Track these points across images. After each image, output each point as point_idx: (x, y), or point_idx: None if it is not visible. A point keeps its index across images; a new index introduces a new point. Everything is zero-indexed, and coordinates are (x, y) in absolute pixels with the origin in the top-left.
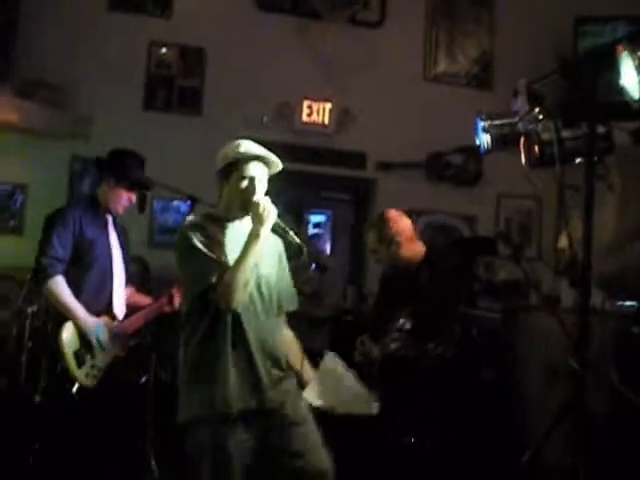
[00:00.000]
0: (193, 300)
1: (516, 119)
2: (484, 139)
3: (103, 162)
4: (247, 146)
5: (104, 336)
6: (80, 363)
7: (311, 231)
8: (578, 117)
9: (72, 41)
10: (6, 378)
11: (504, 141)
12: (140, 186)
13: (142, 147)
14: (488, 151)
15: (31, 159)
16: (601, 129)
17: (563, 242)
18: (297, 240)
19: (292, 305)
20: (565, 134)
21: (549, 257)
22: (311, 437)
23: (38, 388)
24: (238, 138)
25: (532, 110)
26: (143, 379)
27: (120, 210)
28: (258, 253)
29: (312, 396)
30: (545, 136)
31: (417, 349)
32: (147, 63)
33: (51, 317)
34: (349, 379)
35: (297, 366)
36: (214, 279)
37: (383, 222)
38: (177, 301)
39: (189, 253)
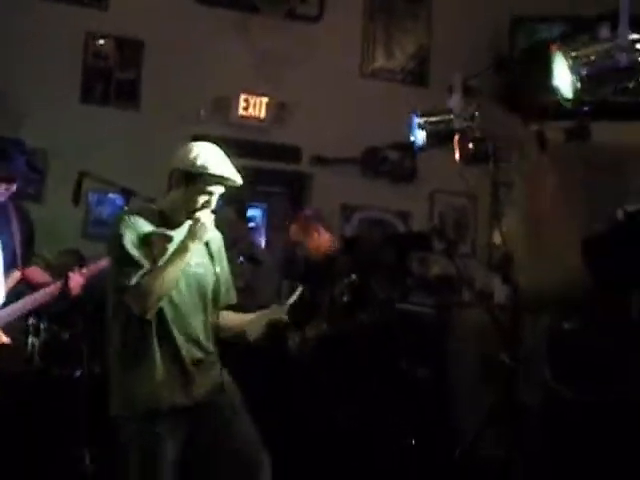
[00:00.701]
0: (116, 297)
1: (451, 116)
2: (419, 136)
3: None
4: (217, 163)
5: None
6: None
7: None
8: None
9: (5, 31)
10: None
11: (439, 138)
12: (20, 177)
13: (79, 140)
14: (423, 148)
15: None
16: (534, 127)
17: (496, 238)
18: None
19: (229, 299)
20: (498, 131)
21: (483, 253)
22: (243, 428)
23: None
24: (179, 136)
25: (467, 107)
26: (77, 373)
27: (2, 197)
28: (184, 261)
29: None
30: (479, 133)
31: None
32: (83, 54)
33: None
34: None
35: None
36: (132, 281)
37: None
38: (75, 285)
39: (116, 248)
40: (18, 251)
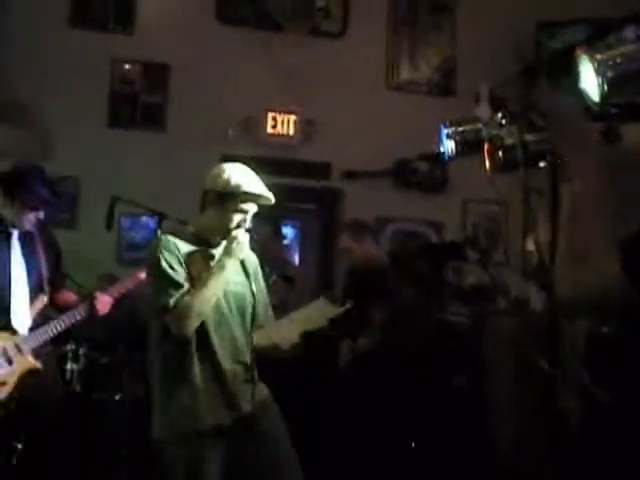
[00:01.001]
0: (157, 318)
1: (479, 125)
2: (448, 146)
3: (4, 178)
4: (248, 181)
5: None
6: None
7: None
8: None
9: (34, 59)
10: None
11: (468, 147)
12: (39, 207)
13: (107, 164)
14: (452, 158)
15: None
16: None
17: (530, 245)
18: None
19: (267, 319)
20: (528, 138)
21: (517, 261)
22: (284, 448)
23: None
24: (207, 156)
25: (495, 115)
26: (117, 397)
27: (27, 226)
28: (222, 280)
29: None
30: (508, 141)
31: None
32: (110, 80)
33: None
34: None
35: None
36: (171, 302)
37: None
38: (102, 307)
39: (155, 271)
40: (45, 275)
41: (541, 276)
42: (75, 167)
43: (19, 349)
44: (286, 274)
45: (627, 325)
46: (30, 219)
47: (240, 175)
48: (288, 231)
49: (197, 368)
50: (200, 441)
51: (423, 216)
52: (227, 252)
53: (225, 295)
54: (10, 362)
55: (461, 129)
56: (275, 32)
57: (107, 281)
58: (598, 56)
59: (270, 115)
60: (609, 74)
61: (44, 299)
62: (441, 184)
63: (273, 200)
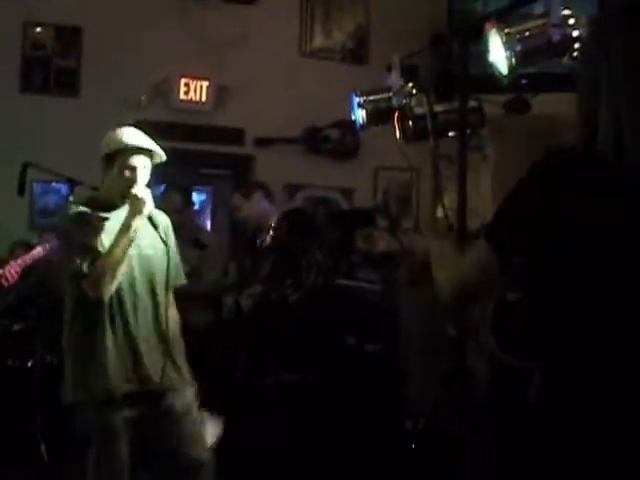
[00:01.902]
0: (70, 284)
1: (390, 94)
2: (360, 114)
3: None
4: (131, 136)
5: None
6: None
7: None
8: (451, 91)
9: None
10: None
11: (379, 116)
12: None
13: (20, 129)
14: (364, 126)
15: None
16: (472, 103)
17: (440, 212)
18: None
19: (179, 280)
20: (438, 108)
21: (427, 228)
22: (192, 426)
23: None
24: (120, 122)
25: (405, 85)
26: (29, 363)
27: None
28: (130, 239)
29: None
30: (418, 110)
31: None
32: (22, 44)
33: None
34: None
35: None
36: (85, 267)
37: None
38: (9, 275)
39: (66, 239)
40: None
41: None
42: None
43: None
44: (198, 239)
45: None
46: None
47: (124, 134)
48: (200, 197)
49: (110, 335)
50: (111, 408)
51: (334, 183)
52: (130, 211)
53: (137, 259)
54: None
55: (372, 98)
56: None
57: (20, 248)
58: (507, 30)
59: (183, 81)
60: (517, 47)
61: None
62: (352, 151)
63: (164, 156)
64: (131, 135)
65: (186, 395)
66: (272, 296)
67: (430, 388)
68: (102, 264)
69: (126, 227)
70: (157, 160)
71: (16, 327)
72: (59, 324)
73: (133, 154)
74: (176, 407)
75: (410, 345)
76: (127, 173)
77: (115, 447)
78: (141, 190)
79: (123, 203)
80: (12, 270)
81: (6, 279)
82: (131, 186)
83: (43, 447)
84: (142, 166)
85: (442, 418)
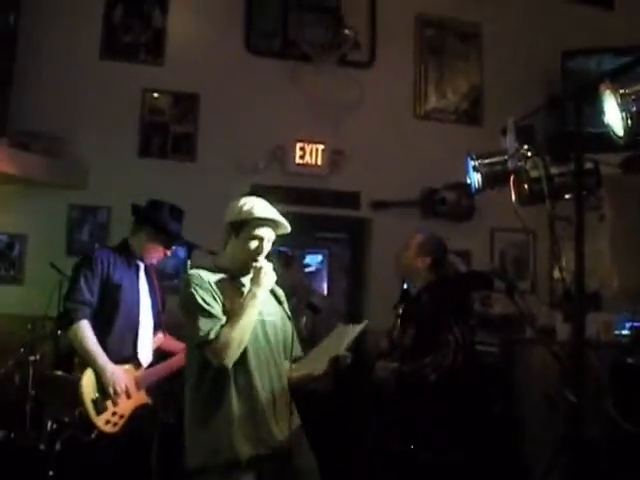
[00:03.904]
0: (193, 351)
1: (505, 157)
2: (475, 178)
3: (140, 210)
4: (259, 207)
5: (122, 385)
6: (99, 410)
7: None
8: (566, 151)
9: (66, 91)
10: (7, 429)
11: (495, 179)
12: (177, 242)
13: (137, 194)
14: (479, 190)
15: (29, 209)
16: (589, 164)
17: (557, 274)
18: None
19: (297, 351)
20: (554, 171)
21: (544, 290)
22: (311, 468)
23: (42, 436)
24: (237, 187)
25: (520, 147)
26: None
27: (154, 261)
28: (256, 308)
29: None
30: (534, 173)
31: (409, 367)
32: (141, 110)
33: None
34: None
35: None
36: (211, 336)
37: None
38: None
39: (190, 306)
40: (160, 311)
41: (567, 306)
42: (107, 197)
43: (138, 385)
44: (312, 303)
45: None
46: (159, 254)
47: (251, 203)
48: (316, 260)
49: (234, 399)
50: (235, 472)
51: (451, 245)
52: (255, 282)
53: (260, 325)
54: (129, 397)
55: (487, 161)
56: (304, 62)
57: None
58: (622, 90)
59: (299, 145)
60: (633, 108)
61: (161, 337)
62: (468, 213)
63: (289, 228)
64: (259, 206)
65: (310, 459)
66: (410, 375)
67: (545, 453)
68: (228, 332)
69: (252, 296)
70: (281, 231)
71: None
72: (179, 385)
73: (260, 225)
74: (302, 470)
75: (526, 408)
76: (253, 244)
77: None
78: (265, 263)
79: (245, 272)
80: (161, 370)
81: (155, 378)
82: (255, 258)
83: None
84: (267, 238)
85: None
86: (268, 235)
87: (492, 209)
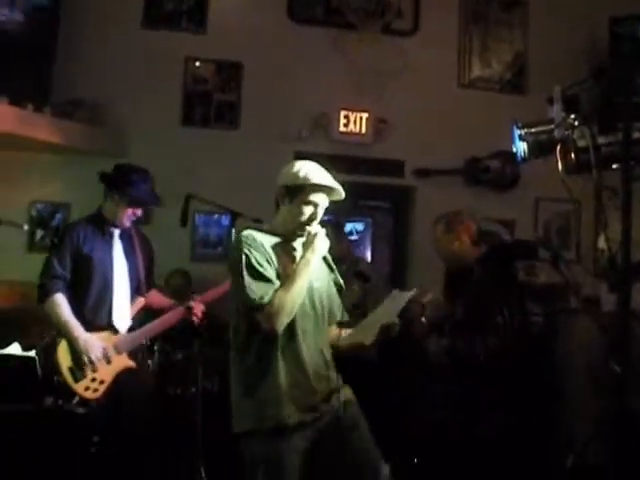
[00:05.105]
0: (243, 315)
1: (552, 126)
2: (520, 147)
3: (108, 177)
4: (316, 172)
5: (97, 352)
6: (77, 378)
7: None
8: (614, 121)
9: (108, 59)
10: (54, 395)
11: (540, 148)
12: (145, 204)
13: (181, 162)
14: (525, 159)
15: (72, 178)
16: (637, 134)
17: (602, 244)
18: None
19: (343, 316)
20: (601, 140)
21: (588, 260)
22: (365, 440)
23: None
24: (281, 155)
25: (567, 117)
26: (193, 390)
27: (126, 223)
28: (309, 275)
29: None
30: (581, 143)
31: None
32: (184, 79)
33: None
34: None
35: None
36: (265, 300)
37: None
38: (198, 312)
39: (243, 268)
40: (142, 277)
41: (612, 276)
42: (150, 166)
43: (118, 350)
44: (360, 271)
45: None
46: (129, 216)
47: (308, 168)
48: (359, 228)
49: (281, 365)
50: (282, 437)
51: (495, 214)
52: (309, 247)
53: (308, 291)
54: (109, 362)
55: (533, 130)
56: (347, 30)
57: (180, 277)
58: None
59: (343, 113)
60: None
61: (142, 300)
62: (513, 182)
63: (343, 194)
64: (315, 171)
65: (353, 412)
66: (461, 352)
67: (585, 426)
68: (282, 297)
69: (305, 262)
70: (335, 198)
71: (179, 355)
72: (220, 352)
73: (315, 191)
74: (345, 425)
75: (568, 379)
76: (307, 209)
77: (286, 473)
78: (318, 229)
79: (297, 236)
80: (200, 308)
81: (195, 318)
82: (309, 223)
83: (204, 475)
84: (322, 204)
85: (593, 455)
86: (323, 201)
87: (537, 179)
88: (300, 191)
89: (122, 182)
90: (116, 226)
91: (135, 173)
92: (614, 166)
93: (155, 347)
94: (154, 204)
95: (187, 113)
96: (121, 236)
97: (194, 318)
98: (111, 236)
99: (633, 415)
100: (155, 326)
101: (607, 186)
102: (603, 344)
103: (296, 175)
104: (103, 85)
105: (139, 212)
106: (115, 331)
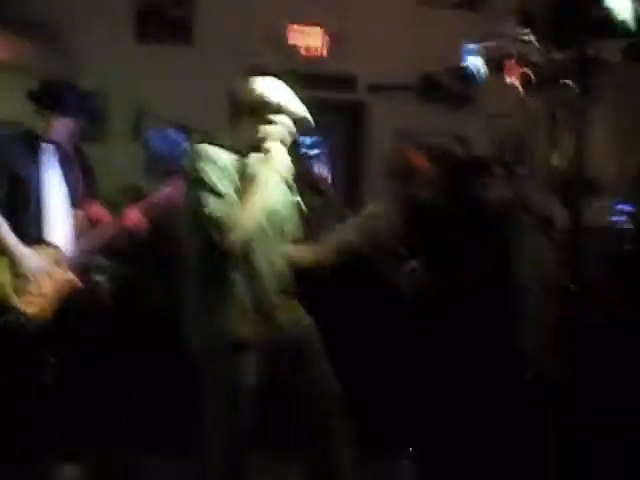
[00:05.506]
0: (198, 231)
1: (506, 42)
2: (473, 63)
3: (35, 93)
4: (280, 93)
5: (35, 266)
6: (18, 293)
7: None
8: (569, 37)
9: None
10: None
11: (495, 64)
12: (73, 115)
13: (135, 79)
14: (478, 75)
15: (23, 96)
16: (590, 50)
17: (555, 160)
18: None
19: (299, 234)
20: (555, 56)
21: (542, 177)
22: (322, 366)
23: None
24: (234, 71)
25: (522, 32)
26: (143, 309)
27: (54, 136)
28: (266, 192)
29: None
30: (535, 58)
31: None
32: None
33: None
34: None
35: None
36: (219, 215)
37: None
38: (131, 221)
39: (199, 182)
40: (80, 190)
41: (565, 192)
42: (104, 83)
43: (58, 263)
44: (316, 186)
45: None
46: (59, 129)
47: (270, 86)
48: (312, 144)
49: (238, 282)
50: (239, 354)
51: (448, 130)
52: (267, 165)
53: (266, 209)
54: (50, 276)
55: (486, 45)
56: None
57: (131, 192)
58: None
59: (297, 27)
60: None
61: (80, 214)
62: (466, 98)
63: (308, 116)
64: (278, 91)
65: (310, 333)
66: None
67: (544, 339)
68: (237, 214)
69: (263, 181)
70: (298, 117)
71: (130, 272)
72: (173, 268)
73: (275, 110)
74: (310, 358)
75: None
76: (267, 128)
77: (244, 388)
78: (278, 147)
79: (252, 154)
80: (133, 215)
81: (127, 224)
82: (267, 141)
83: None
84: (284, 123)
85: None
86: (283, 120)
87: (491, 95)
88: (259, 109)
89: (48, 96)
90: (50, 142)
91: (60, 86)
92: (567, 82)
93: (107, 264)
94: (79, 115)
95: (141, 30)
96: (56, 152)
97: (128, 223)
98: (44, 152)
99: (586, 331)
100: (93, 237)
101: (560, 103)
102: (556, 260)
103: (256, 92)
104: (56, 3)
105: (71, 125)
106: (53, 246)
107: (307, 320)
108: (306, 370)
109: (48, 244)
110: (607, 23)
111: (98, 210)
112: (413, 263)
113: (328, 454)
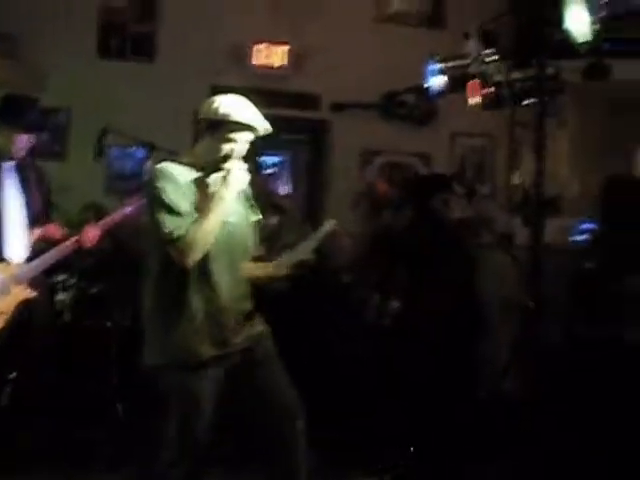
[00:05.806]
0: (157, 249)
1: (468, 61)
2: (436, 81)
3: None
4: (240, 110)
5: None
6: None
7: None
8: (530, 57)
9: None
10: None
11: (456, 83)
12: (30, 130)
13: (97, 95)
14: (440, 93)
15: None
16: (550, 70)
17: (516, 179)
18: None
19: (258, 251)
20: (516, 75)
21: (503, 195)
22: (277, 376)
23: None
24: (197, 88)
25: (484, 52)
26: (107, 324)
27: (15, 152)
28: (224, 210)
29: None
30: (496, 78)
31: None
32: (99, 10)
33: None
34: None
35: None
36: (176, 234)
37: None
38: (89, 238)
39: (157, 201)
40: (37, 210)
41: (526, 210)
42: (66, 99)
43: (16, 281)
44: (276, 204)
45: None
46: (19, 145)
47: (231, 104)
48: (274, 161)
49: (195, 299)
50: (195, 371)
51: (411, 149)
52: (225, 184)
53: (224, 227)
54: (7, 292)
55: (450, 64)
56: None
57: (92, 210)
58: None
59: (260, 46)
60: (600, 13)
61: (37, 233)
62: (428, 116)
63: (270, 130)
64: (239, 109)
65: (267, 346)
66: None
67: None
68: (194, 232)
69: (219, 198)
70: (260, 134)
71: (93, 290)
72: (136, 286)
73: (235, 129)
74: (257, 358)
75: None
76: (226, 146)
77: (197, 409)
78: (238, 166)
79: (213, 172)
80: (92, 233)
81: (85, 242)
82: (227, 159)
83: (119, 406)
84: (243, 140)
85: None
86: (243, 138)
87: (453, 114)
88: (220, 127)
89: (8, 111)
90: (7, 159)
91: (20, 102)
92: (528, 101)
93: (70, 281)
94: (40, 131)
95: (103, 45)
96: (14, 169)
97: (86, 241)
98: (3, 170)
99: (545, 348)
100: (52, 255)
101: (521, 122)
102: (516, 277)
103: (217, 110)
104: (18, 17)
105: (32, 140)
106: (9, 263)
107: (265, 335)
108: (262, 382)
109: (5, 261)
110: (567, 44)
111: (54, 229)
112: (395, 304)
113: (285, 465)
